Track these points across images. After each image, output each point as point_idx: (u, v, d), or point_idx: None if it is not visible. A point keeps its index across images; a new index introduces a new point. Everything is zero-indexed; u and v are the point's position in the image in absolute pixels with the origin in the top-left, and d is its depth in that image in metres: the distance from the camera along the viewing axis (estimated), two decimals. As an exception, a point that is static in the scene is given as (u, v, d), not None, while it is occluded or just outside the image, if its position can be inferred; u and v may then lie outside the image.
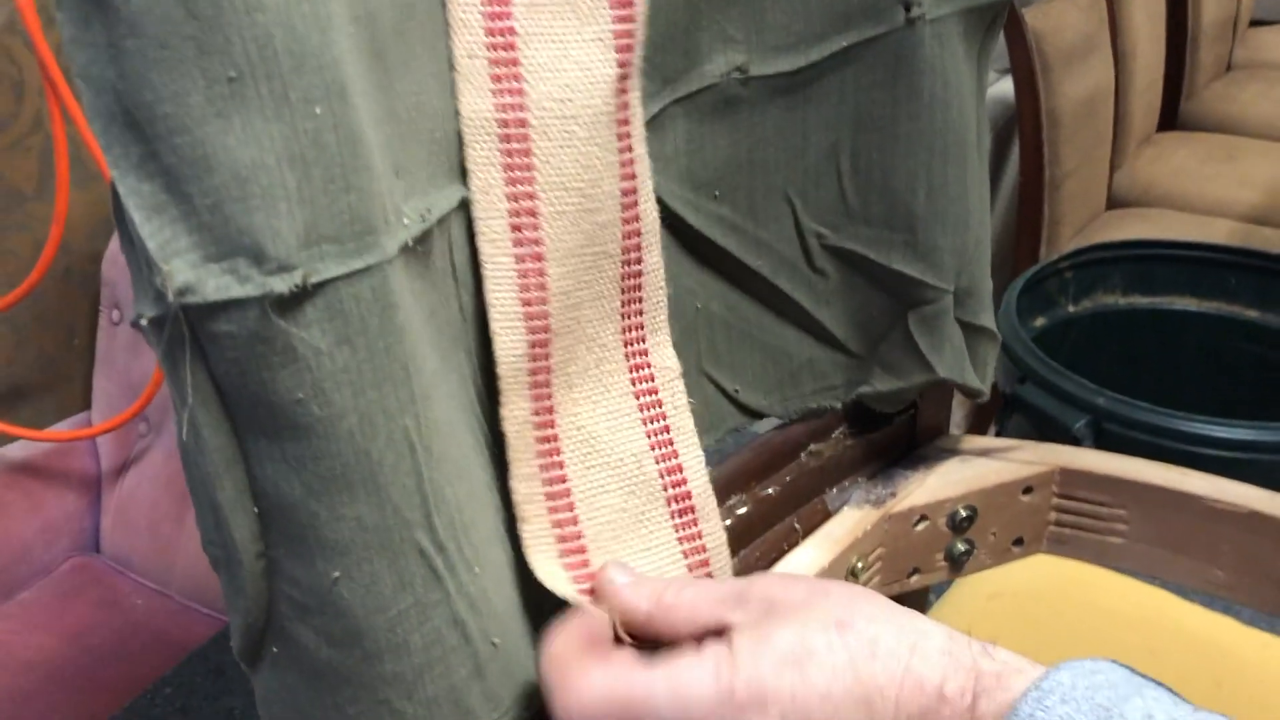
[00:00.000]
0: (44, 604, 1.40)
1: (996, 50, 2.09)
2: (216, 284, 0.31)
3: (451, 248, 0.41)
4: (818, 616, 0.39)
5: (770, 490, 0.57)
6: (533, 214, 0.42)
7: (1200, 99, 2.40)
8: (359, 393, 0.34)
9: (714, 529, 0.49)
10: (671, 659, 0.38)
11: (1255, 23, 2.83)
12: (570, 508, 0.45)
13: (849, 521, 0.58)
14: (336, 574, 0.35)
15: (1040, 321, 1.43)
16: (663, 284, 0.48)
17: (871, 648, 0.38)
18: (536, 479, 0.44)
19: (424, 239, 0.38)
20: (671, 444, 0.48)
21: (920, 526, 0.60)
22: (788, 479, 0.58)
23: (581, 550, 0.45)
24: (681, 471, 0.48)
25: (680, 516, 0.48)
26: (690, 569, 0.48)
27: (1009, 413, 1.24)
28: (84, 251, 1.54)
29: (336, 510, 0.35)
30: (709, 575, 0.48)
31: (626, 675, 0.38)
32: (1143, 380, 1.34)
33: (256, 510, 0.35)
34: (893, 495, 0.60)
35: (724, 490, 0.55)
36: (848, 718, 0.37)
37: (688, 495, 0.48)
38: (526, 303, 0.43)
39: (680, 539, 0.48)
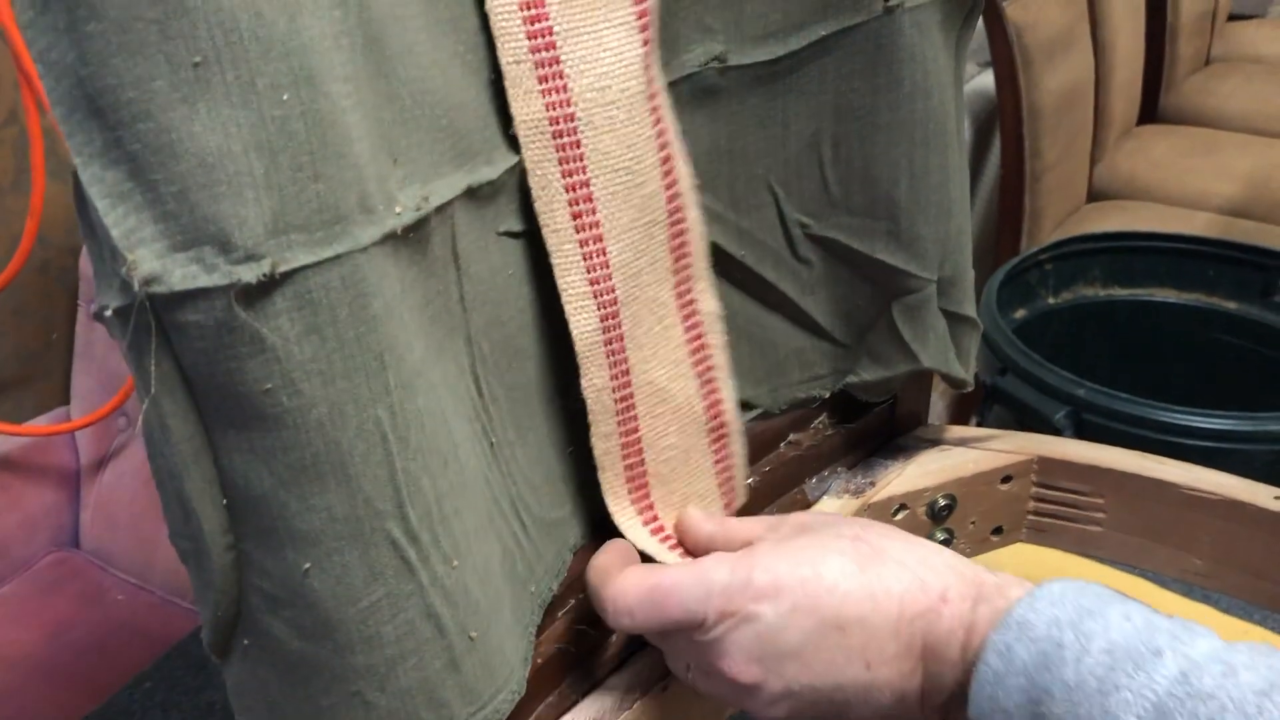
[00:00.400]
0: (23, 599, 1.39)
1: (977, 43, 2.10)
2: (183, 273, 0.31)
3: (455, 236, 0.41)
4: (836, 531, 0.45)
5: (750, 480, 0.57)
6: (589, 200, 0.45)
7: (1180, 92, 2.41)
8: (328, 382, 0.34)
9: (739, 449, 0.54)
10: (700, 560, 0.44)
11: (1234, 17, 2.84)
12: (639, 453, 0.50)
13: (828, 511, 0.58)
14: (307, 565, 0.35)
15: (1021, 313, 1.43)
16: (703, 233, 0.51)
17: (881, 555, 0.43)
18: (615, 436, 0.49)
19: (419, 227, 0.37)
20: (714, 380, 0.52)
21: (899, 516, 0.60)
22: (767, 469, 0.58)
23: (644, 486, 0.51)
24: (721, 404, 0.53)
25: (716, 443, 0.53)
26: (719, 484, 0.54)
27: (989, 404, 1.24)
28: (62, 245, 1.53)
29: (307, 501, 0.34)
30: (733, 488, 0.55)
31: (659, 570, 0.44)
32: (1123, 371, 1.35)
33: (225, 502, 0.35)
34: (872, 485, 0.59)
35: (703, 481, 0.55)
36: (854, 610, 0.41)
37: (724, 424, 0.53)
38: (593, 282, 0.46)
39: (715, 461, 0.53)
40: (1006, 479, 0.61)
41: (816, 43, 0.51)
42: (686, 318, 0.51)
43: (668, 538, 0.51)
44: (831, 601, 0.42)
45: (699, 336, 0.52)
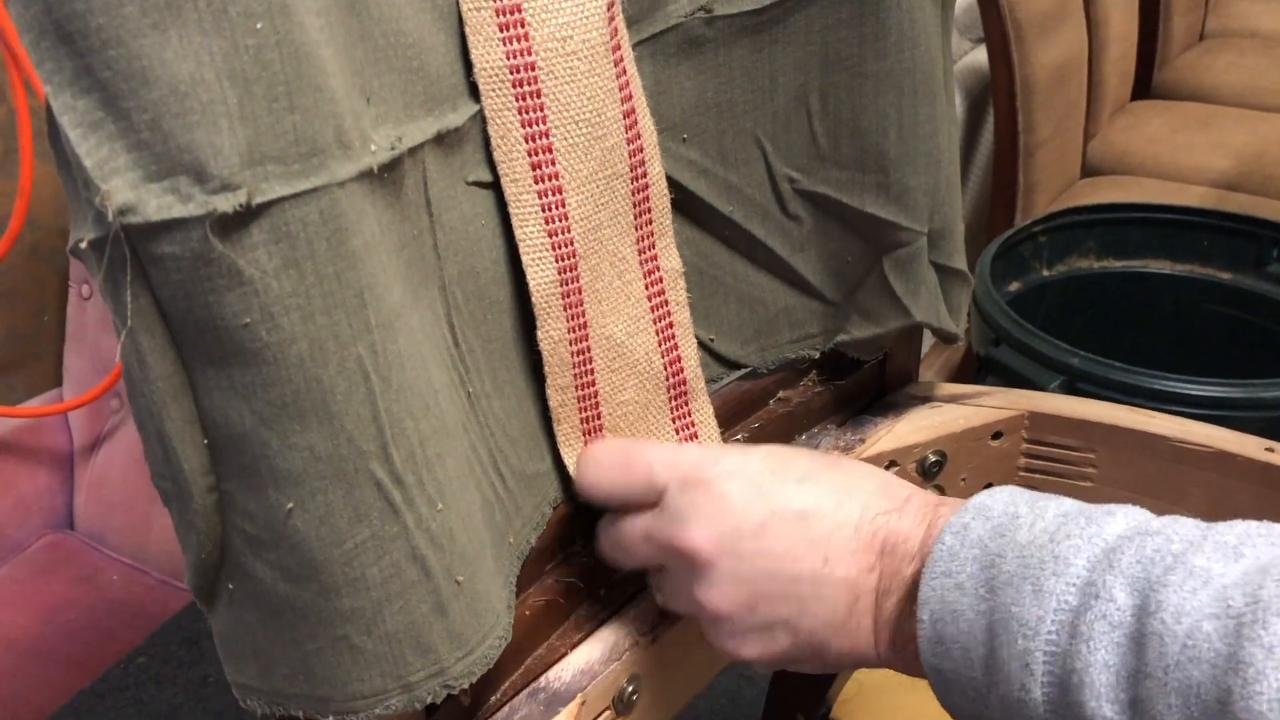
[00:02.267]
0: (17, 581, 1.39)
1: (969, 19, 2.08)
2: (158, 203, 0.30)
3: (426, 182, 0.41)
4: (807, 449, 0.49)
5: (740, 437, 0.57)
6: (549, 150, 0.45)
7: (1173, 68, 2.40)
8: (308, 318, 0.33)
9: (702, 407, 0.54)
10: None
11: (1228, -8, 2.83)
12: (596, 407, 0.50)
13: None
14: (290, 505, 0.35)
15: (1015, 286, 1.43)
16: (665, 191, 0.51)
17: (849, 463, 0.47)
18: (571, 389, 0.49)
19: (393, 166, 0.37)
20: (674, 338, 0.52)
21: (890, 472, 0.60)
22: (756, 425, 0.57)
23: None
24: (680, 361, 0.53)
25: (675, 401, 0.53)
26: (680, 441, 0.54)
27: (983, 375, 1.24)
28: (52, 227, 1.52)
29: (288, 439, 0.34)
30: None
31: (634, 441, 0.49)
32: (1117, 343, 1.34)
33: (206, 441, 0.34)
34: (861, 441, 0.59)
35: (692, 436, 0.55)
36: (818, 501, 0.43)
37: (683, 381, 0.53)
38: (552, 234, 0.46)
39: (674, 419, 0.53)
40: (997, 435, 0.61)
41: (803, -9, 0.51)
42: (648, 274, 0.51)
43: None
44: (798, 492, 0.43)
45: (660, 293, 0.52)
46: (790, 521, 0.42)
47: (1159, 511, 0.61)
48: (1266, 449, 0.57)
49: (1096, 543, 0.36)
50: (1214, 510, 0.58)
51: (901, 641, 0.42)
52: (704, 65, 0.52)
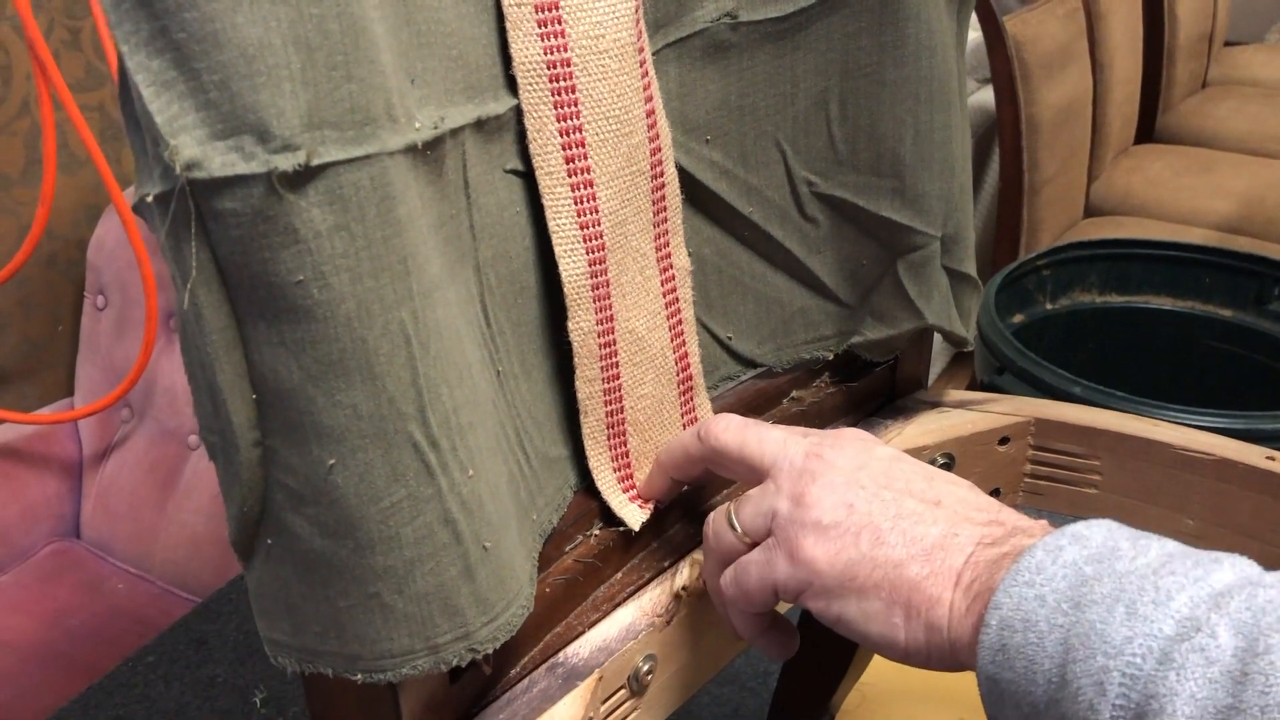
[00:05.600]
0: (23, 587, 1.40)
1: (976, 60, 2.11)
2: (223, 160, 0.32)
3: (465, 164, 0.42)
4: None
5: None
6: (581, 144, 0.46)
7: (1177, 113, 2.44)
8: (356, 280, 0.35)
9: (703, 402, 0.56)
10: None
11: (1229, 43, 2.88)
12: (620, 400, 0.51)
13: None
14: (332, 462, 0.36)
15: (1018, 318, 1.45)
16: (678, 190, 0.53)
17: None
18: (599, 380, 0.50)
19: (435, 145, 0.39)
20: (683, 334, 0.54)
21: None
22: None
23: (623, 435, 0.52)
24: (688, 356, 0.54)
25: (684, 395, 0.55)
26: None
27: (987, 402, 1.25)
28: (70, 238, 1.54)
29: (333, 396, 0.35)
30: None
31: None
32: (1118, 377, 1.36)
33: (254, 397, 0.36)
34: (873, 442, 0.61)
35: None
36: (951, 493, 0.43)
37: (690, 377, 0.55)
38: (583, 225, 0.47)
39: (683, 414, 0.55)
40: (1004, 440, 0.63)
41: (824, 0, 0.53)
42: (663, 270, 0.53)
43: (636, 496, 0.53)
44: (939, 477, 0.44)
45: (673, 290, 0.53)
46: (927, 507, 0.42)
47: (1160, 517, 0.62)
48: (1268, 457, 0.58)
49: (1203, 585, 0.33)
50: (1215, 516, 0.60)
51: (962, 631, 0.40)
52: (728, 69, 0.54)
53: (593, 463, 0.52)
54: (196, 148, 0.32)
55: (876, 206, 0.56)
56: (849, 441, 0.46)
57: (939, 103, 0.54)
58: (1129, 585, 0.34)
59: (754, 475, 0.47)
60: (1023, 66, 1.76)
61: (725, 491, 0.57)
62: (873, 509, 0.42)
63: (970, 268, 0.59)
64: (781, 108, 0.55)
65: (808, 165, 0.56)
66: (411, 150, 0.37)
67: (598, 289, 0.49)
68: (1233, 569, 0.34)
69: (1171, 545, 0.36)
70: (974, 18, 1.77)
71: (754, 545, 0.45)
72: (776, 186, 0.57)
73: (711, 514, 0.48)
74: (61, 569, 1.44)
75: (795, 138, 0.56)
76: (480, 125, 0.43)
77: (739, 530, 0.46)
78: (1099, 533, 0.37)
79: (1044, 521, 0.41)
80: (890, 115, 0.54)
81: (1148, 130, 2.41)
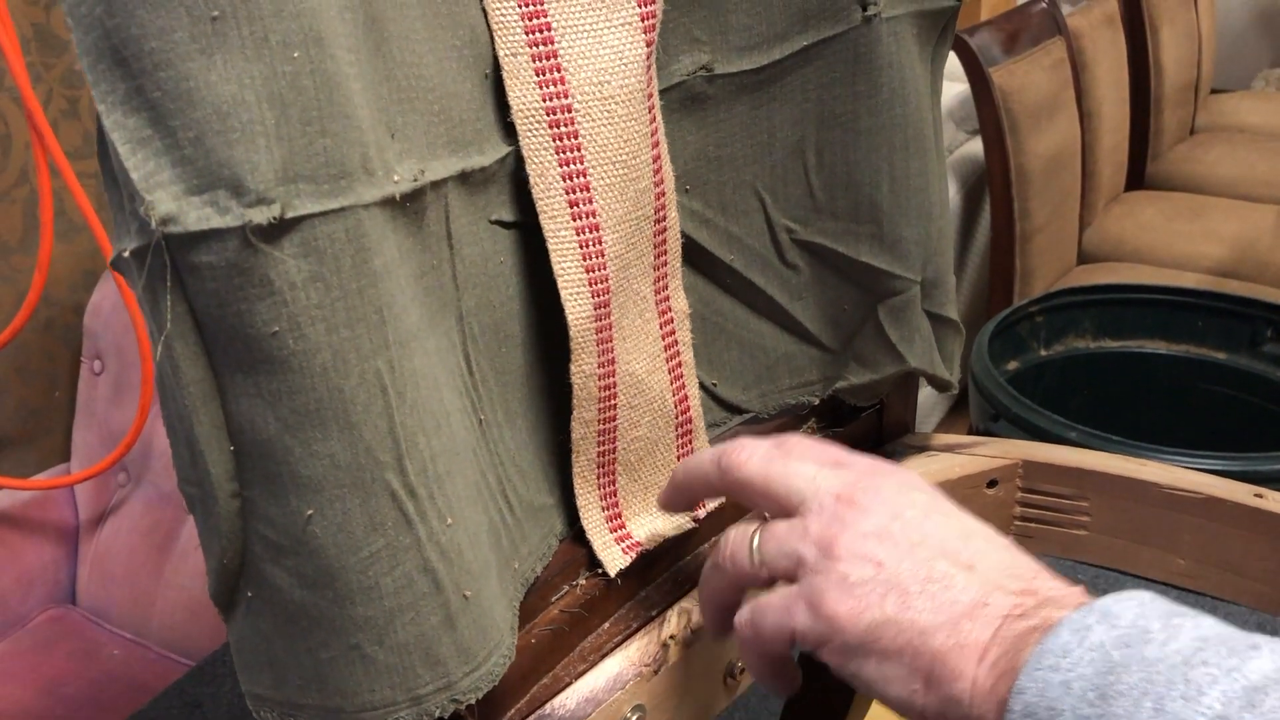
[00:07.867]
0: (19, 655, 1.39)
1: (965, 112, 2.13)
2: (198, 215, 0.33)
3: (448, 216, 0.43)
4: None
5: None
6: (586, 189, 0.47)
7: (1166, 160, 2.46)
8: (332, 330, 0.35)
9: (702, 444, 0.56)
10: None
11: (1215, 91, 2.91)
12: (612, 441, 0.51)
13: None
14: (310, 512, 0.36)
15: (1013, 365, 1.45)
16: (679, 234, 0.53)
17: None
18: (595, 422, 0.50)
19: (415, 197, 0.39)
20: (682, 377, 0.54)
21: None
22: (757, 470, 0.59)
23: (612, 474, 0.52)
24: (687, 400, 0.55)
25: (682, 437, 0.55)
26: None
27: (983, 449, 1.25)
28: (66, 303, 1.55)
29: (310, 446, 0.36)
30: None
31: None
32: (1114, 421, 1.36)
33: (232, 448, 0.36)
34: (860, 487, 0.61)
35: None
36: (985, 558, 0.40)
37: (690, 420, 0.55)
38: (589, 270, 0.47)
39: (679, 455, 0.55)
40: (992, 483, 0.63)
41: (798, 52, 0.54)
42: (662, 313, 0.53)
43: (624, 537, 0.53)
44: (976, 534, 0.42)
45: (672, 333, 0.54)
46: (957, 572, 0.40)
47: (1151, 558, 0.62)
48: (1255, 494, 0.58)
49: (1236, 678, 0.31)
50: (1204, 554, 0.60)
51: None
52: (705, 120, 0.55)
53: (580, 502, 0.52)
54: (172, 203, 0.32)
55: (856, 252, 0.57)
56: (886, 483, 0.43)
57: (914, 149, 0.55)
58: (1158, 677, 0.32)
59: (780, 511, 0.45)
60: (1010, 117, 1.78)
61: (712, 542, 0.57)
62: (902, 569, 0.40)
63: (952, 311, 0.60)
64: (759, 157, 0.56)
65: (787, 213, 0.57)
66: (389, 203, 0.37)
67: (601, 332, 0.49)
68: (1272, 657, 0.32)
69: (1208, 626, 0.34)
70: (960, 69, 1.80)
71: (770, 578, 0.44)
72: (757, 234, 0.57)
73: (731, 531, 0.46)
74: (57, 636, 1.43)
75: (774, 186, 0.56)
76: (465, 178, 0.43)
77: (757, 561, 0.44)
78: (1130, 610, 0.35)
79: (1079, 589, 0.39)
80: (866, 163, 0.55)
81: (1138, 177, 2.43)
